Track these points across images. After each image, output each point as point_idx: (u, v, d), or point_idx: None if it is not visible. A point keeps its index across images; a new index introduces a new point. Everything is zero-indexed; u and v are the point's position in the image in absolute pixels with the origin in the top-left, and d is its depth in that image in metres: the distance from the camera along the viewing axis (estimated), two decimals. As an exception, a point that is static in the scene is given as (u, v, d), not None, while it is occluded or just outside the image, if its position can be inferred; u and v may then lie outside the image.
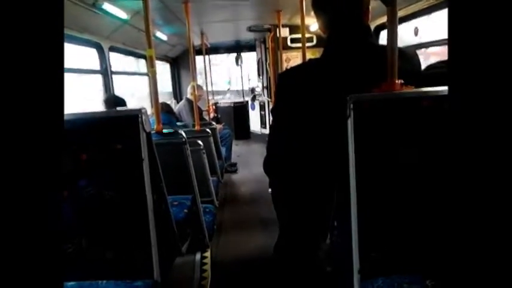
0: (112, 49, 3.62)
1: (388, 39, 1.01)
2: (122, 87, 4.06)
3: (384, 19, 1.02)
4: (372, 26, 3.48)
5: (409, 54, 1.25)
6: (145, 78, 5.10)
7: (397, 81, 1.01)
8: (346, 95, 0.97)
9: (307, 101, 1.19)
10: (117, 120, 1.08)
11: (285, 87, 1.27)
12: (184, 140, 2.04)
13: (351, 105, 0.95)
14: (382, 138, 0.97)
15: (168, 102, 4.75)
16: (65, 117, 1.05)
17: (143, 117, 1.05)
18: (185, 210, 1.84)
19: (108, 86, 3.52)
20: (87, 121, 1.08)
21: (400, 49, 1.09)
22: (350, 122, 0.95)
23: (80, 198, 1.08)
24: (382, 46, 1.18)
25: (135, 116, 1.05)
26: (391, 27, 1.00)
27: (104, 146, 1.06)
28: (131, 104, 3.76)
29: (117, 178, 1.08)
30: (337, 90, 1.09)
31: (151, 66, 2.03)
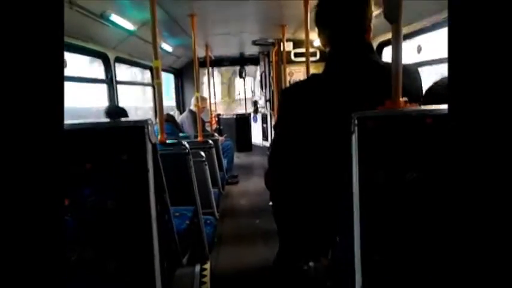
0: (118, 60, 3.66)
1: (392, 56, 1.02)
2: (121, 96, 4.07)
3: (387, 36, 1.02)
4: (375, 43, 3.52)
5: (410, 70, 1.26)
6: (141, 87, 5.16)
7: (401, 99, 1.02)
8: (348, 112, 0.97)
9: (310, 117, 1.20)
10: (123, 130, 1.08)
11: (288, 103, 1.28)
12: (187, 150, 2.06)
13: (355, 122, 0.95)
14: (386, 154, 0.97)
15: (172, 113, 4.78)
16: (72, 126, 1.07)
17: (149, 128, 1.06)
18: (187, 222, 1.84)
19: (112, 96, 3.55)
20: (94, 131, 1.08)
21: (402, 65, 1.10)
22: (354, 138, 0.96)
23: (83, 207, 1.08)
24: (384, 63, 1.19)
25: (141, 127, 1.06)
26: (396, 44, 1.01)
27: (109, 156, 1.07)
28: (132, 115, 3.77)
29: (122, 188, 1.08)
30: (339, 107, 1.10)
31: (157, 77, 2.05)
